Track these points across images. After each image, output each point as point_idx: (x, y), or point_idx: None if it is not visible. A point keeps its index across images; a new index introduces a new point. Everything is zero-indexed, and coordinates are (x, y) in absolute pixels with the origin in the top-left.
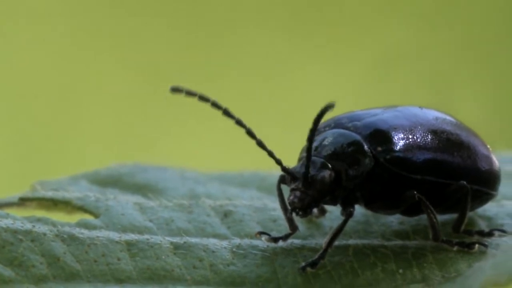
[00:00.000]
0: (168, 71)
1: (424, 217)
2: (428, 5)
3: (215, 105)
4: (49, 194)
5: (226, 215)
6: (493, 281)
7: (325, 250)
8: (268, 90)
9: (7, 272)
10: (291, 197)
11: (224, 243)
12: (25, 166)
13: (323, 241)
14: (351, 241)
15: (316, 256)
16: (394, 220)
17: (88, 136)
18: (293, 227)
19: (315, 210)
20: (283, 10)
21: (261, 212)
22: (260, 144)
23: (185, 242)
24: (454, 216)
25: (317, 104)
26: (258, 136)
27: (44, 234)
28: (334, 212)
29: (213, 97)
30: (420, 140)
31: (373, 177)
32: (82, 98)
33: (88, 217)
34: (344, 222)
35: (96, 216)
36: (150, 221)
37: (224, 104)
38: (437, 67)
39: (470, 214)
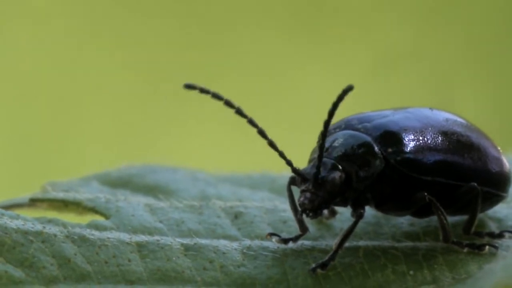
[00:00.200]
0: (168, 71)
1: (434, 218)
2: (428, 5)
3: (228, 104)
4: (60, 195)
5: (236, 216)
6: (503, 283)
7: (336, 251)
8: (268, 90)
9: (18, 273)
10: (302, 199)
11: (235, 244)
12: (25, 166)
13: (333, 242)
14: (361, 243)
15: (327, 258)
16: (404, 221)
17: (88, 136)
18: (304, 229)
19: (325, 212)
20: (283, 10)
21: (272, 214)
22: (272, 144)
23: (195, 244)
24: (464, 217)
25: (317, 104)
26: (257, 136)
27: (55, 235)
28: (344, 213)
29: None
30: (431, 141)
31: (383, 179)
32: (82, 98)
33: (98, 218)
34: (355, 224)
35: (106, 217)
36: (161, 222)
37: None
38: (437, 67)
39: (480, 215)
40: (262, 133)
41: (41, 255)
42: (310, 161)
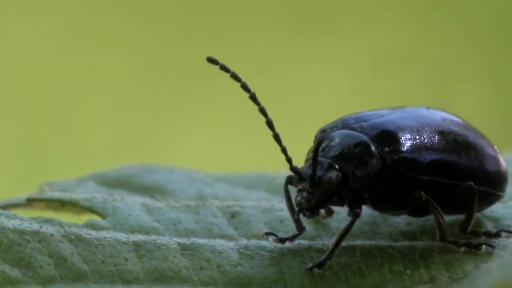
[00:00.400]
0: (168, 71)
1: (431, 217)
2: (428, 5)
3: (244, 87)
4: (57, 195)
5: (233, 216)
6: (500, 282)
7: (332, 251)
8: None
9: (15, 272)
10: (298, 198)
11: (231, 244)
12: (25, 166)
13: (330, 242)
14: (358, 242)
15: (323, 257)
16: (401, 221)
17: (88, 136)
18: (300, 228)
19: (322, 211)
20: (283, 10)
21: (268, 213)
22: (277, 137)
23: (192, 243)
24: (461, 217)
25: (317, 104)
26: (257, 136)
27: (52, 235)
28: (341, 213)
29: (215, 96)
30: (428, 141)
31: (380, 178)
32: (81, 98)
33: (95, 218)
34: (351, 223)
35: (103, 217)
36: (157, 221)
37: (223, 104)
38: (437, 67)
39: (477, 215)
40: (270, 124)
41: (38, 255)
42: (306, 160)
